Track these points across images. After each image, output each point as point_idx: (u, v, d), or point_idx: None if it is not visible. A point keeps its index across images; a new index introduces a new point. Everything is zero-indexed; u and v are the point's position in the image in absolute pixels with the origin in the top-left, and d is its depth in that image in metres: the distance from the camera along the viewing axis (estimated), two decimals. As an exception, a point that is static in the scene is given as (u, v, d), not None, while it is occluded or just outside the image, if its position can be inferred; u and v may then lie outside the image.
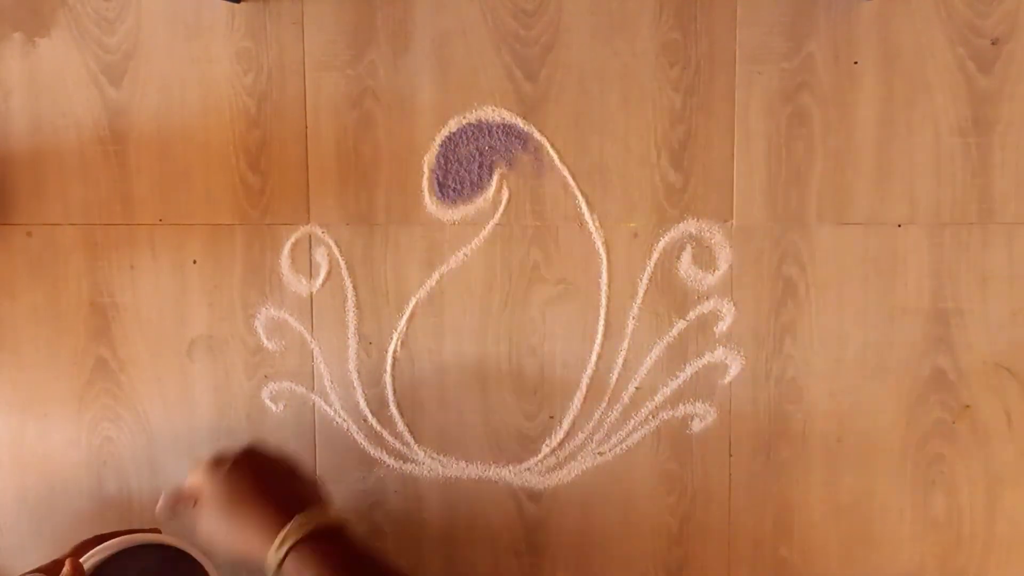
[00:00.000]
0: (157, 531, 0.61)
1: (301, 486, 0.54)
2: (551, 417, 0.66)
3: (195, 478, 0.55)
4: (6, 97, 0.67)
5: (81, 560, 0.57)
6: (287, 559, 0.49)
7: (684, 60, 0.63)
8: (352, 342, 0.67)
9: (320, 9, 0.65)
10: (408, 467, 0.67)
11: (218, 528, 0.53)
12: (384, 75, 0.65)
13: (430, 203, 0.65)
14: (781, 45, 0.63)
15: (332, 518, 0.51)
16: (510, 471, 0.67)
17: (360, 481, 0.68)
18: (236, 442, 0.67)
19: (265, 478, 0.54)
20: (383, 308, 0.66)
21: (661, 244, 0.64)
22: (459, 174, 0.65)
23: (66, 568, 0.56)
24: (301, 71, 0.65)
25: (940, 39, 0.62)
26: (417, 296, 0.66)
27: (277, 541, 0.50)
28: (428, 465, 0.67)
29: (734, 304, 0.65)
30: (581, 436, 0.66)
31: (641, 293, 0.65)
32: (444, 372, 0.66)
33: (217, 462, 0.55)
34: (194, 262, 0.67)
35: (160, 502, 0.55)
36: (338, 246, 0.66)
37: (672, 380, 0.65)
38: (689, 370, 0.65)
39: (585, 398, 0.66)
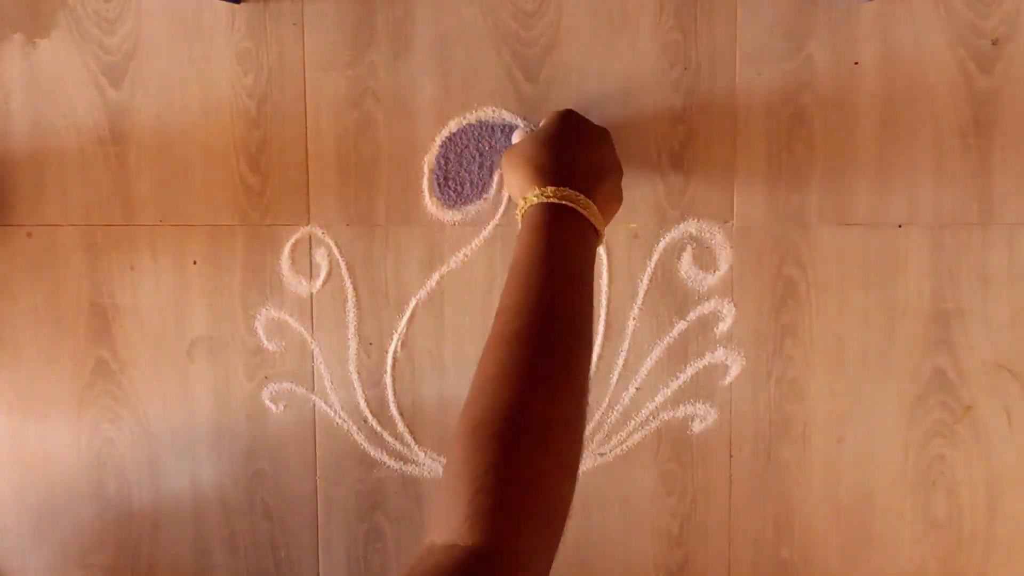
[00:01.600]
0: None
1: (583, 164, 0.53)
2: (551, 418, 0.66)
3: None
4: (6, 98, 0.67)
5: None
6: (527, 213, 0.51)
7: (684, 61, 0.63)
8: (352, 343, 0.67)
9: (320, 10, 0.65)
10: (408, 468, 0.67)
11: (507, 174, 0.55)
12: (384, 76, 0.65)
13: (430, 204, 0.65)
14: (781, 46, 0.63)
15: (588, 214, 0.50)
16: (510, 472, 0.67)
17: (360, 482, 0.68)
18: (237, 444, 0.67)
19: (556, 145, 0.54)
20: (383, 309, 0.66)
21: (661, 245, 0.64)
22: (459, 175, 0.65)
23: None
24: (301, 72, 0.65)
25: (940, 40, 0.62)
26: (417, 297, 0.66)
27: (532, 193, 0.51)
28: (428, 466, 0.67)
29: (734, 305, 0.65)
30: (581, 437, 0.66)
31: (641, 294, 0.65)
32: (444, 373, 0.66)
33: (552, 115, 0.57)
34: (194, 263, 0.67)
35: (518, 132, 0.62)
36: (338, 247, 0.66)
37: (672, 381, 0.65)
38: (690, 371, 0.65)
39: (585, 399, 0.66)
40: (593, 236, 0.51)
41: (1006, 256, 0.63)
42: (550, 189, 0.50)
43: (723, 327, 0.65)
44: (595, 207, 0.51)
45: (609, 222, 0.54)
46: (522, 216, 0.51)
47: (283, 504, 0.68)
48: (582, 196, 0.50)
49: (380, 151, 0.65)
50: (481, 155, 0.65)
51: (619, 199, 0.55)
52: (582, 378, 0.44)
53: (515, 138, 0.62)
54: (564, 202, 0.50)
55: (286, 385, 0.67)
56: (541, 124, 0.58)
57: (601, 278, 0.65)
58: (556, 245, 0.48)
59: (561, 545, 0.66)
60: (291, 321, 0.67)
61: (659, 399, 0.65)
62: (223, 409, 0.68)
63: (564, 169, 0.52)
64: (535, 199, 0.50)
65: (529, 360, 0.43)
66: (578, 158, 0.53)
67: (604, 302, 0.65)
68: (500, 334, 0.44)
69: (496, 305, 0.65)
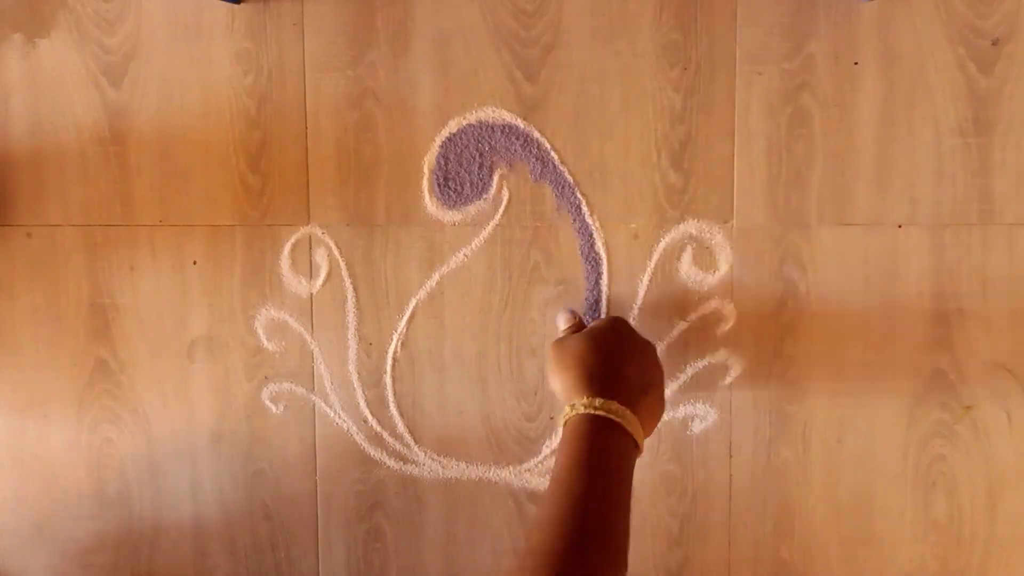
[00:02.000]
0: None
1: (625, 377, 0.55)
2: (551, 418, 0.66)
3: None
4: (6, 98, 0.67)
5: None
6: (571, 420, 0.52)
7: (684, 61, 0.63)
8: (352, 343, 0.67)
9: (320, 10, 0.65)
10: (408, 468, 0.67)
11: (551, 371, 0.57)
12: (384, 76, 0.65)
13: (430, 204, 0.65)
14: (781, 46, 0.63)
15: (622, 419, 0.51)
16: (510, 472, 0.67)
17: (360, 482, 0.68)
18: (236, 444, 0.67)
19: (601, 353, 0.55)
20: (383, 309, 0.66)
21: (661, 245, 0.64)
22: (459, 175, 0.65)
23: None
24: (301, 72, 0.65)
25: (940, 40, 0.62)
26: (417, 297, 0.66)
27: (579, 401, 0.52)
28: (428, 466, 0.67)
29: (734, 305, 0.65)
30: (581, 437, 0.66)
31: (641, 294, 0.65)
32: (444, 373, 0.66)
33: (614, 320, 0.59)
34: (194, 263, 0.67)
35: (560, 313, 0.63)
36: (338, 247, 0.66)
37: (673, 381, 0.65)
38: (690, 371, 0.65)
39: (585, 399, 0.66)
40: (634, 450, 0.52)
41: (1006, 256, 0.63)
42: (597, 401, 0.52)
43: (723, 327, 0.65)
44: (638, 421, 0.52)
45: (649, 435, 0.55)
46: (565, 421, 0.53)
47: (283, 504, 0.68)
48: (627, 410, 0.52)
49: (380, 151, 0.65)
50: (481, 155, 0.65)
51: (661, 411, 0.57)
52: None
53: (560, 323, 0.63)
54: (610, 415, 0.51)
55: (286, 385, 0.67)
56: (591, 324, 0.60)
57: (601, 278, 0.65)
58: (599, 462, 0.49)
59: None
60: (291, 321, 0.67)
61: (659, 399, 0.65)
62: (223, 409, 0.68)
63: (612, 380, 0.54)
64: (582, 408, 0.52)
65: None
66: (626, 370, 0.55)
67: (604, 302, 0.65)
68: (542, 550, 0.45)
69: (496, 305, 0.65)
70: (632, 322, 0.65)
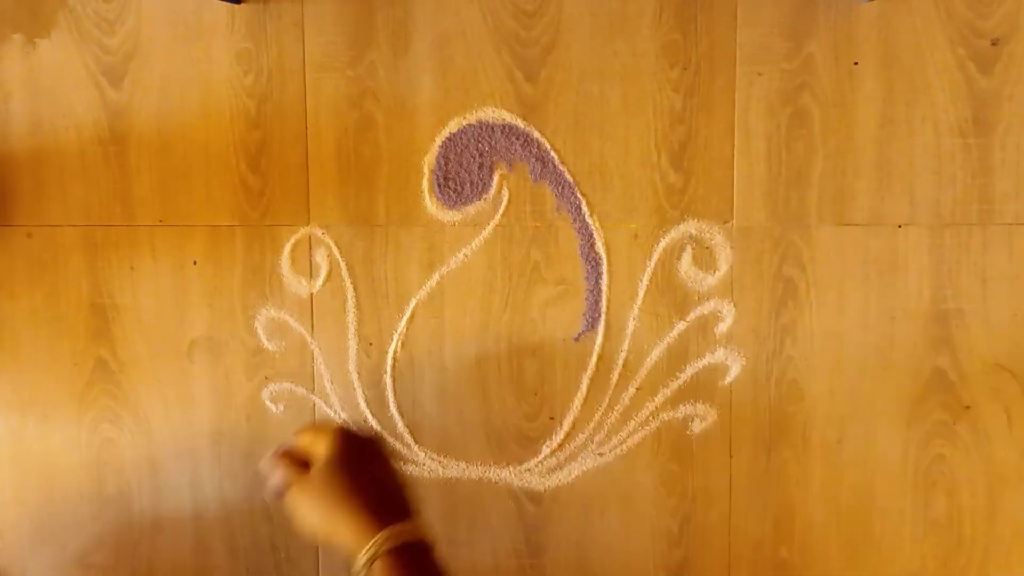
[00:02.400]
0: None
1: (396, 492, 0.53)
2: (551, 418, 0.66)
3: (303, 442, 0.54)
4: (6, 98, 0.67)
5: None
6: (373, 567, 0.49)
7: (684, 61, 0.63)
8: (352, 343, 0.67)
9: (320, 10, 0.65)
10: (408, 468, 0.67)
11: (311, 516, 0.52)
12: (384, 76, 0.65)
13: (430, 204, 0.65)
14: (781, 46, 0.63)
15: (421, 536, 0.50)
16: (510, 472, 0.67)
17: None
18: (236, 444, 0.67)
19: (364, 479, 0.52)
20: (383, 309, 0.66)
21: (661, 245, 0.64)
22: (459, 175, 0.65)
23: None
24: (301, 72, 0.65)
25: (940, 40, 0.62)
26: (417, 297, 0.66)
27: (366, 550, 0.49)
28: (428, 466, 0.67)
29: (734, 305, 0.65)
30: (581, 437, 0.66)
31: (641, 294, 0.65)
32: (444, 373, 0.66)
33: (320, 438, 0.53)
34: (194, 263, 0.67)
35: (268, 470, 0.54)
36: (338, 247, 0.66)
37: (672, 381, 0.65)
38: (689, 371, 0.65)
39: (585, 399, 0.66)
40: (431, 548, 0.51)
41: (1006, 256, 0.63)
42: (396, 529, 0.49)
43: (723, 327, 0.65)
44: (417, 525, 0.51)
45: None
46: (367, 569, 0.49)
47: (283, 504, 0.68)
48: (415, 521, 0.51)
49: (380, 151, 0.65)
50: (481, 155, 0.65)
51: (410, 494, 0.54)
52: None
53: (273, 471, 0.54)
54: (411, 536, 0.49)
55: (286, 385, 0.67)
56: (322, 455, 0.52)
57: (601, 278, 0.65)
58: None
59: (561, 546, 0.66)
60: (291, 321, 0.67)
61: (659, 399, 0.65)
62: (223, 409, 0.68)
63: (387, 501, 0.51)
64: (382, 549, 0.49)
65: None
66: (384, 482, 0.53)
67: (604, 302, 0.65)
68: None
69: (496, 305, 0.65)
70: (632, 322, 0.65)
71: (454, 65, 0.64)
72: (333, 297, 0.66)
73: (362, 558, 0.49)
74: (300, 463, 0.54)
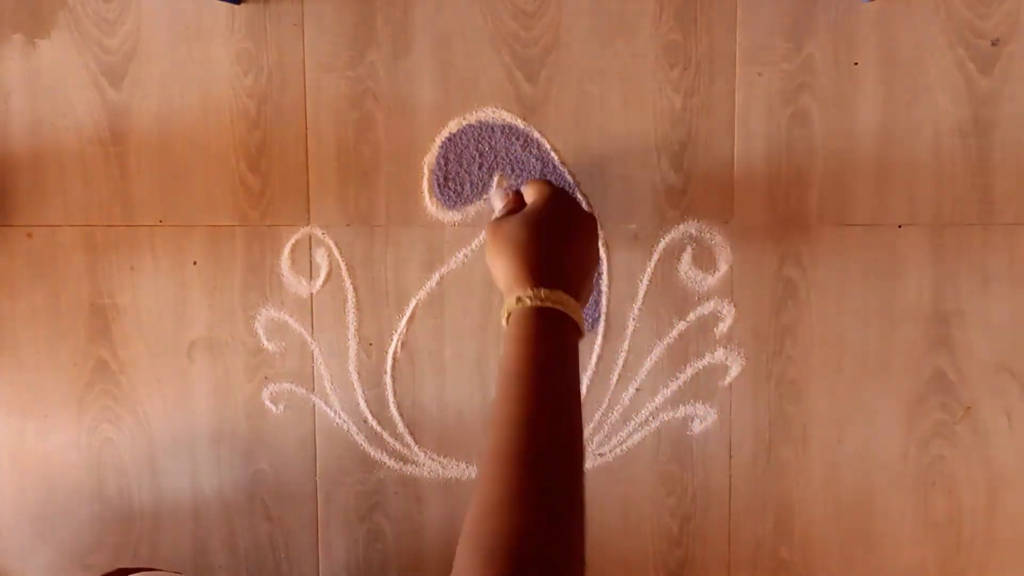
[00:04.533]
0: (178, 574, 0.61)
1: (569, 260, 0.53)
2: (551, 418, 0.66)
3: (530, 190, 0.56)
4: (6, 99, 0.67)
5: None
6: (516, 313, 0.50)
7: (684, 61, 0.63)
8: (352, 343, 0.67)
9: (320, 10, 0.65)
10: (408, 468, 0.67)
11: (492, 251, 0.54)
12: (384, 76, 0.65)
13: (430, 204, 0.65)
14: (781, 46, 0.63)
15: (568, 309, 0.49)
16: (510, 472, 0.67)
17: (360, 482, 0.68)
18: (236, 444, 0.67)
19: (555, 238, 0.53)
20: (383, 309, 0.66)
21: (661, 245, 0.64)
22: (459, 175, 0.65)
23: None
24: (301, 72, 0.65)
25: (940, 40, 0.62)
26: (417, 297, 0.66)
27: (512, 299, 0.50)
28: (428, 466, 0.67)
29: (734, 305, 0.65)
30: (581, 437, 0.66)
31: (641, 294, 0.65)
32: (444, 373, 0.66)
33: (542, 189, 0.56)
34: (194, 263, 0.67)
35: (494, 198, 0.60)
36: (338, 247, 0.66)
37: (672, 381, 0.65)
38: (689, 371, 0.65)
39: (585, 399, 0.66)
40: (578, 335, 0.51)
41: (1006, 256, 0.63)
42: (543, 292, 0.49)
43: (723, 328, 0.65)
44: (579, 307, 0.51)
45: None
46: (508, 315, 0.50)
47: (283, 504, 0.68)
48: (572, 299, 0.50)
49: (380, 151, 0.65)
50: (481, 155, 0.65)
51: (591, 291, 0.56)
52: (582, 492, 0.45)
53: (496, 203, 0.59)
54: (556, 307, 0.49)
55: (286, 385, 0.67)
56: (530, 203, 0.56)
57: (601, 278, 0.65)
58: (550, 359, 0.48)
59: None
60: (291, 321, 0.67)
61: (659, 399, 0.65)
62: (223, 409, 0.68)
63: (555, 268, 0.51)
64: (528, 301, 0.49)
65: (534, 483, 0.43)
66: (568, 255, 0.53)
67: (604, 302, 0.65)
68: (501, 452, 0.44)
69: (495, 305, 0.65)
70: (632, 323, 0.65)
71: (454, 65, 0.64)
72: (333, 297, 0.66)
73: (505, 308, 0.51)
74: (518, 203, 0.57)
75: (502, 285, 0.53)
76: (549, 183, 0.57)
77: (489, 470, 0.44)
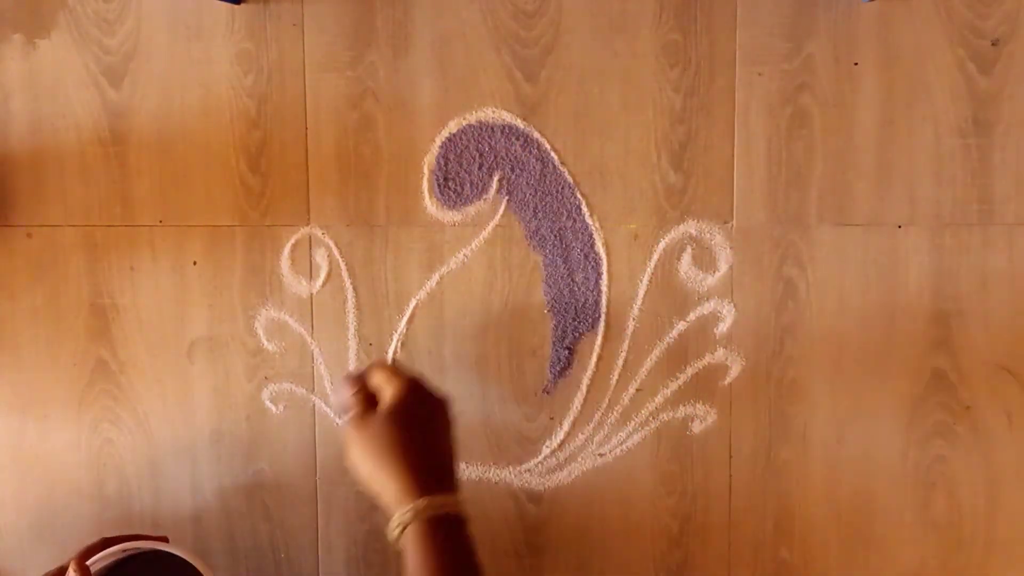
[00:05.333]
0: (164, 539, 0.61)
1: (447, 460, 0.54)
2: (551, 418, 0.66)
3: (377, 378, 0.54)
4: (6, 99, 0.67)
5: (88, 563, 0.57)
6: (407, 530, 0.50)
7: (684, 61, 0.63)
8: (352, 343, 0.67)
9: (320, 11, 0.65)
10: (408, 468, 0.67)
11: (359, 458, 0.53)
12: (384, 76, 0.65)
13: (430, 204, 0.65)
14: (781, 46, 0.63)
15: (459, 510, 0.51)
16: (510, 472, 0.67)
17: (360, 483, 0.67)
18: (236, 444, 0.67)
19: (421, 438, 0.52)
20: (383, 309, 0.66)
21: (661, 245, 0.64)
22: (459, 175, 0.65)
23: (71, 571, 0.56)
24: (301, 72, 0.65)
25: (940, 40, 0.62)
26: (417, 297, 0.66)
27: (403, 513, 0.50)
28: (428, 466, 0.67)
29: (734, 305, 0.65)
30: (581, 437, 0.66)
31: (641, 294, 0.65)
32: (444, 373, 0.66)
33: (393, 382, 0.54)
34: (194, 263, 0.67)
35: (338, 389, 0.56)
36: (338, 247, 0.66)
37: (672, 381, 0.65)
38: (689, 371, 0.65)
39: (585, 399, 0.66)
40: (468, 524, 0.51)
41: (1006, 256, 0.63)
42: (438, 500, 0.50)
43: (723, 327, 0.65)
44: (461, 498, 0.51)
45: None
46: (401, 529, 0.50)
47: (283, 504, 0.68)
48: (457, 494, 0.51)
49: (380, 151, 0.65)
50: (481, 155, 0.65)
51: (456, 461, 0.55)
52: None
53: (342, 397, 0.56)
54: (450, 511, 0.50)
55: (286, 386, 0.67)
56: (389, 397, 0.53)
57: (601, 278, 0.65)
58: (457, 559, 0.49)
59: (561, 546, 0.66)
60: (291, 322, 0.67)
61: (659, 399, 0.65)
62: (223, 409, 0.68)
63: (438, 468, 0.52)
64: (425, 512, 0.49)
65: None
66: (442, 449, 0.53)
67: (604, 302, 0.65)
68: None
69: (496, 305, 0.65)
70: (632, 323, 0.65)
71: (454, 65, 0.64)
72: (333, 297, 0.66)
73: (397, 520, 0.50)
74: (369, 396, 0.54)
75: (383, 493, 0.52)
76: (395, 370, 0.55)
77: None
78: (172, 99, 0.66)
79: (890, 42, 0.62)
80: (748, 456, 0.66)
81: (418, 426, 0.53)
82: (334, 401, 0.57)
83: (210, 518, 0.68)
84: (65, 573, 0.57)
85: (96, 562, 0.58)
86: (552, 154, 0.64)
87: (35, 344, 0.68)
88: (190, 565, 0.59)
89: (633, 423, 0.66)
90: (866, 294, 0.64)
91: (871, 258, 0.64)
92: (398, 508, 0.50)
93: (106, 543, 0.60)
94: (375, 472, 0.52)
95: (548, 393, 0.66)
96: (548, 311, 0.65)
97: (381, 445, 0.52)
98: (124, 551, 0.60)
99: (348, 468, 0.53)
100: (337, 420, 0.60)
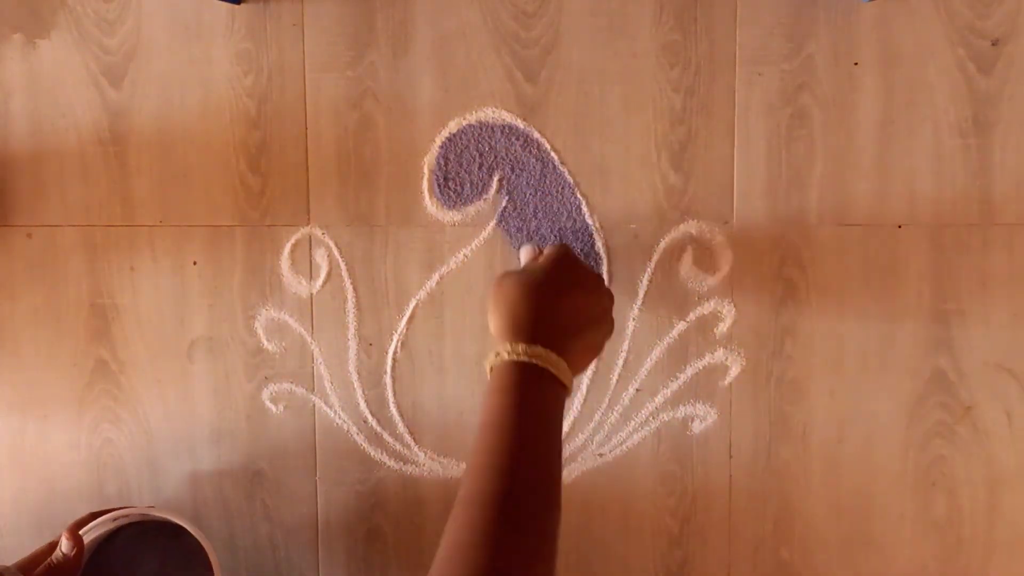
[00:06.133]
0: (151, 507, 0.62)
1: (563, 320, 0.53)
2: (551, 418, 0.66)
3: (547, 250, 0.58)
4: (6, 99, 0.67)
5: (80, 532, 0.58)
6: (497, 367, 0.51)
7: (684, 61, 0.63)
8: (352, 343, 0.67)
9: (320, 11, 0.65)
10: (408, 468, 0.67)
11: (492, 301, 0.55)
12: (384, 76, 0.65)
13: (430, 204, 0.65)
14: (781, 46, 0.63)
15: (556, 373, 0.50)
16: (510, 472, 0.67)
17: (360, 482, 0.68)
18: (236, 444, 0.67)
19: (551, 297, 0.53)
20: (383, 309, 0.66)
21: (661, 245, 0.64)
22: (459, 175, 0.65)
23: (64, 538, 0.57)
24: (301, 72, 0.65)
25: (940, 40, 0.62)
26: (417, 297, 0.66)
27: (496, 352, 0.51)
28: (428, 466, 0.67)
29: (734, 305, 0.65)
30: (581, 437, 0.66)
31: (641, 294, 0.65)
32: (444, 373, 0.66)
33: (551, 251, 0.57)
34: (194, 263, 0.67)
35: (524, 249, 0.63)
36: (338, 247, 0.66)
37: (672, 381, 0.65)
38: (689, 371, 0.65)
39: (585, 399, 0.66)
40: (562, 391, 0.51)
41: (1006, 256, 0.63)
42: (521, 347, 0.50)
43: (723, 328, 0.65)
44: (565, 363, 0.51)
45: (582, 372, 0.55)
46: (491, 369, 0.51)
47: (283, 504, 0.68)
48: (553, 354, 0.51)
49: (380, 151, 0.65)
50: (481, 155, 0.65)
51: (597, 349, 0.56)
52: (553, 542, 0.45)
53: (522, 256, 0.62)
54: (535, 362, 0.50)
55: (286, 385, 0.67)
56: (540, 258, 0.57)
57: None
58: (525, 410, 0.48)
59: (561, 545, 0.66)
60: (291, 321, 0.67)
61: (659, 399, 0.65)
62: (223, 410, 0.68)
63: (541, 324, 0.52)
64: (506, 356, 0.50)
65: (502, 527, 0.43)
66: (559, 311, 0.53)
67: (604, 302, 0.65)
68: (472, 497, 0.45)
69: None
70: (632, 323, 0.65)
71: (454, 65, 0.64)
72: (333, 297, 0.66)
73: (489, 358, 0.52)
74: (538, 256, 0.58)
75: (493, 337, 0.54)
76: (564, 246, 0.58)
77: (459, 513, 0.45)
78: (172, 99, 0.66)
79: (890, 42, 0.62)
80: (748, 456, 0.66)
81: (541, 284, 0.54)
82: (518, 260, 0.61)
83: (210, 518, 0.68)
84: (57, 546, 0.58)
85: (88, 531, 0.59)
86: (552, 154, 0.64)
87: (35, 344, 0.68)
88: (181, 529, 0.60)
89: (633, 423, 0.66)
90: (866, 294, 0.64)
91: (871, 259, 0.64)
92: (493, 349, 0.51)
93: (93, 517, 0.61)
94: (492, 318, 0.54)
95: None
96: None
97: (502, 294, 0.54)
98: (115, 519, 0.61)
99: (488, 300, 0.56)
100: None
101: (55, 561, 0.58)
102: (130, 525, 0.63)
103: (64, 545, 0.58)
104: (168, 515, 0.60)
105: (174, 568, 0.62)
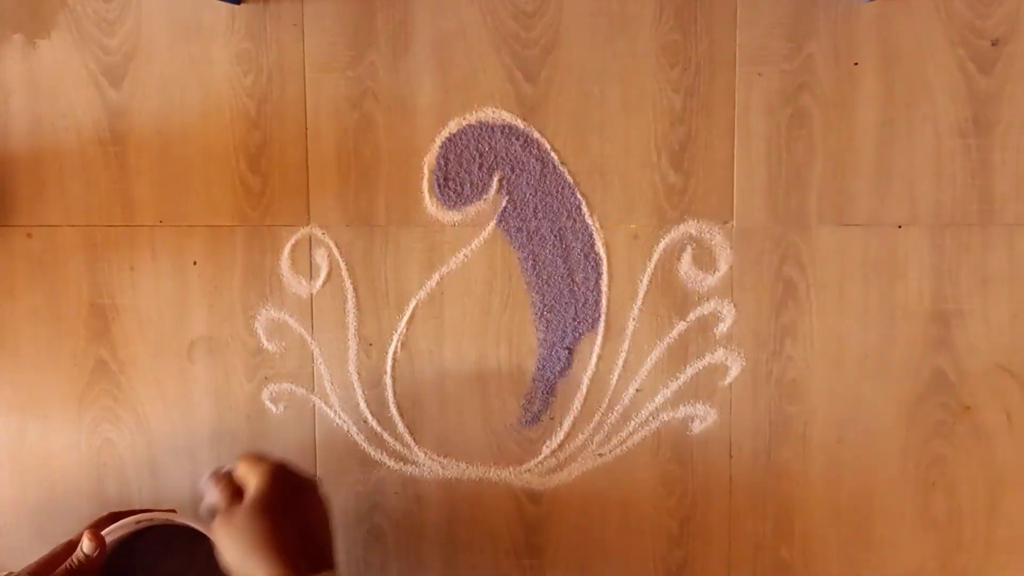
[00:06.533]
0: (173, 511, 0.62)
1: (320, 541, 0.53)
2: (551, 418, 0.66)
3: (241, 470, 0.54)
4: (6, 99, 0.67)
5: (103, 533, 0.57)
6: None
7: (684, 61, 0.63)
8: (352, 343, 0.67)
9: (320, 10, 0.65)
10: (408, 468, 0.67)
11: (231, 551, 0.52)
12: (384, 76, 0.65)
13: (430, 204, 0.65)
14: (781, 46, 0.63)
15: None
16: (510, 472, 0.67)
17: (360, 483, 0.68)
18: (236, 444, 0.67)
19: (289, 524, 0.52)
20: (383, 309, 0.66)
21: (661, 245, 0.64)
22: (459, 175, 0.65)
23: (85, 538, 0.56)
24: (301, 72, 0.65)
25: (940, 40, 0.62)
26: (417, 297, 0.66)
27: None
28: (428, 466, 0.67)
29: (734, 305, 0.65)
30: (581, 437, 0.66)
31: (641, 294, 0.65)
32: (444, 373, 0.66)
33: (255, 471, 0.53)
34: (194, 263, 0.67)
35: (205, 490, 0.55)
36: (338, 247, 0.66)
37: (672, 381, 0.65)
38: (689, 371, 0.65)
39: (585, 399, 0.66)
40: None
41: (1006, 256, 0.63)
42: None
43: (723, 327, 0.65)
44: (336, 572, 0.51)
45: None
46: None
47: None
48: (334, 572, 0.51)
49: (380, 151, 0.65)
50: (481, 155, 0.65)
51: (331, 543, 0.55)
52: None
53: (209, 494, 0.55)
54: None
55: (286, 386, 0.67)
56: (254, 486, 0.53)
57: (601, 278, 0.65)
58: None
59: (561, 546, 0.66)
60: (291, 321, 0.67)
61: (659, 399, 0.65)
62: (223, 409, 0.68)
63: (311, 550, 0.51)
64: None
65: None
66: (312, 529, 0.53)
67: (604, 302, 0.65)
68: None
69: (496, 305, 0.65)
70: (632, 323, 0.65)
71: (454, 65, 0.64)
72: (333, 297, 0.66)
73: None
74: (235, 490, 0.53)
75: None
76: (257, 459, 0.55)
77: None
78: (172, 99, 0.66)
79: (890, 42, 0.62)
80: (748, 456, 0.66)
81: (284, 512, 0.52)
82: (203, 506, 0.53)
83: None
84: (77, 545, 0.57)
85: (110, 532, 0.58)
86: (552, 154, 0.64)
87: (35, 344, 0.68)
88: (200, 534, 0.59)
89: (633, 423, 0.66)
90: (866, 294, 0.64)
91: (871, 258, 0.64)
92: None
93: (113, 517, 0.60)
94: (248, 566, 0.50)
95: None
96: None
97: (249, 538, 0.51)
98: (137, 523, 0.60)
99: (224, 567, 0.52)
100: (208, 519, 0.54)
101: (75, 563, 0.57)
102: (153, 527, 0.62)
103: (86, 546, 0.56)
104: (191, 522, 0.60)
105: (196, 574, 0.62)
